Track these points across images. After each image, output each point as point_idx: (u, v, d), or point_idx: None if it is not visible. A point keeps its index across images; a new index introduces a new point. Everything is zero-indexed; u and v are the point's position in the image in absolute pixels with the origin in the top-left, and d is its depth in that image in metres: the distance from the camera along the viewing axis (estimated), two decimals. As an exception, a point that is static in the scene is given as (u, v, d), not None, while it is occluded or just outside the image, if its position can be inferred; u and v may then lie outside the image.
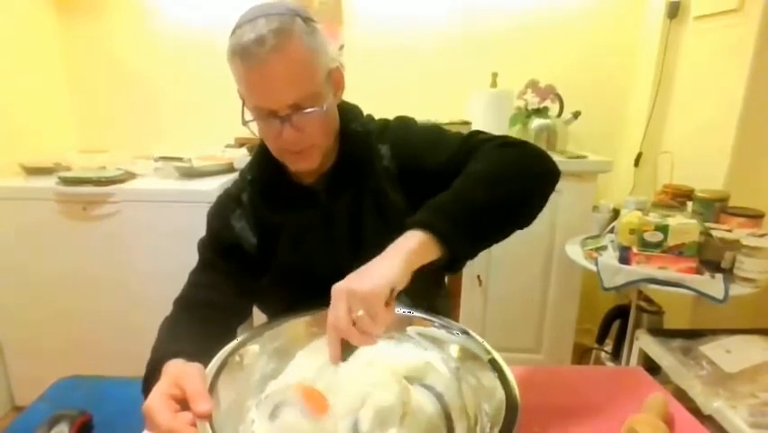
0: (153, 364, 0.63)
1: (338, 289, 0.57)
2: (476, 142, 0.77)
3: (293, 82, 0.68)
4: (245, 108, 0.75)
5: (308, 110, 0.70)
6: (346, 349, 0.57)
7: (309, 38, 0.69)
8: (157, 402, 0.51)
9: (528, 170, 0.72)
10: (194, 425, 0.49)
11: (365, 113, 0.89)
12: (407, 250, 0.59)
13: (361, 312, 0.55)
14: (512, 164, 0.72)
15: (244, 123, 0.75)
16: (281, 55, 0.66)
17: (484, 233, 0.66)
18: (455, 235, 0.61)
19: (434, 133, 0.83)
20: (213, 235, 0.85)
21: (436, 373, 0.62)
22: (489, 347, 0.60)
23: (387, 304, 0.56)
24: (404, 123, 0.87)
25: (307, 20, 0.71)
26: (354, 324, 0.55)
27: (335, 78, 0.78)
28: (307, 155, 0.76)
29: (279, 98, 0.69)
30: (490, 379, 0.56)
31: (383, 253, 0.59)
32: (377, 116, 0.90)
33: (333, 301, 0.56)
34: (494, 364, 0.57)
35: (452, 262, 0.63)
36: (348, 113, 0.85)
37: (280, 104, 0.69)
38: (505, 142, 0.75)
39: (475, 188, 0.67)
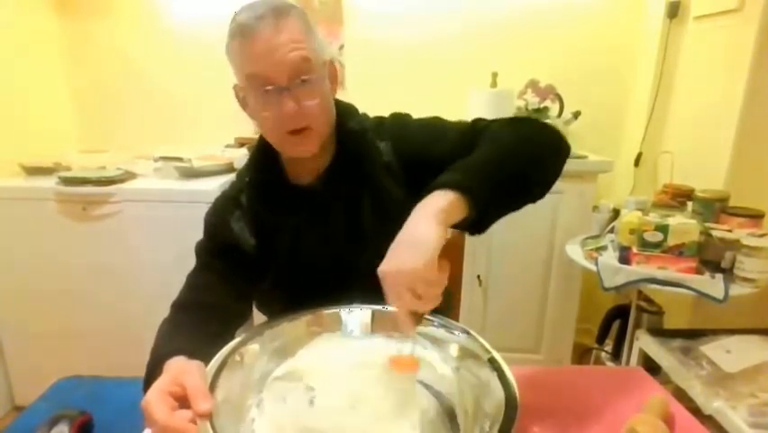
0: (153, 364, 0.63)
1: (391, 273, 0.56)
2: (484, 124, 0.78)
3: (292, 50, 0.70)
4: (241, 100, 0.78)
5: (306, 77, 0.72)
6: (417, 316, 0.58)
7: (306, 22, 0.74)
8: (155, 398, 0.51)
9: (540, 140, 0.74)
10: (193, 423, 0.49)
11: (363, 111, 0.89)
12: (438, 209, 0.58)
13: (420, 290, 0.55)
14: (528, 134, 0.74)
15: (241, 103, 0.77)
16: (280, 27, 0.70)
17: (507, 194, 0.67)
18: (482, 192, 0.61)
19: (434, 124, 0.84)
20: (211, 237, 0.85)
21: (430, 370, 0.63)
22: (488, 346, 0.60)
23: (439, 268, 0.56)
24: (401, 118, 0.87)
25: (305, 14, 0.75)
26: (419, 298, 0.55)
27: (331, 71, 0.80)
28: (306, 137, 0.76)
29: (279, 66, 0.70)
30: (490, 378, 0.56)
31: (415, 217, 0.59)
32: (375, 115, 0.90)
33: (390, 287, 0.56)
34: (493, 363, 0.57)
35: (476, 222, 0.64)
36: (344, 111, 0.85)
37: (279, 70, 0.70)
38: (514, 118, 0.78)
39: (495, 153, 0.68)
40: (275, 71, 0.71)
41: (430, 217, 0.57)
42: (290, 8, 0.72)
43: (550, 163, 0.73)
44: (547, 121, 1.87)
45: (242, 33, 0.70)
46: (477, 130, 0.77)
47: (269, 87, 0.71)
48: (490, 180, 0.63)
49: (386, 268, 0.56)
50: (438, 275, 0.55)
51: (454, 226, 0.61)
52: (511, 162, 0.67)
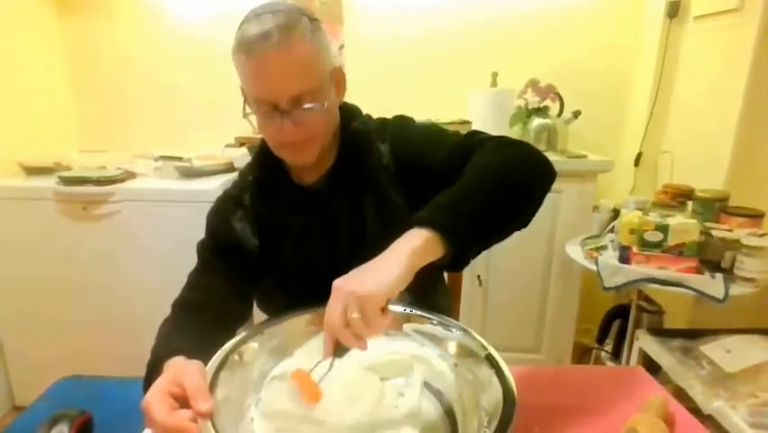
0: (153, 363, 0.63)
1: (337, 287, 0.56)
2: (474, 141, 0.77)
3: (295, 77, 0.69)
4: (247, 103, 0.76)
5: (308, 106, 0.71)
6: (341, 347, 0.56)
7: (313, 36, 0.70)
8: (155, 398, 0.51)
9: (527, 169, 0.73)
10: (193, 422, 0.49)
11: (364, 112, 0.89)
12: (411, 249, 0.58)
13: (356, 315, 0.54)
14: (512, 164, 0.72)
15: (245, 115, 0.76)
16: (285, 50, 0.67)
17: (487, 231, 0.66)
18: (460, 233, 0.61)
19: (433, 132, 0.83)
20: (213, 237, 0.85)
21: (429, 369, 0.63)
22: (485, 343, 0.61)
23: (383, 310, 0.55)
24: (402, 121, 0.87)
25: (313, 19, 0.72)
26: (348, 325, 0.54)
27: (337, 78, 0.79)
28: (304, 148, 0.76)
29: (281, 92, 0.70)
30: (488, 375, 0.56)
31: (387, 252, 0.59)
32: (376, 116, 0.90)
33: (331, 298, 0.56)
34: (491, 360, 0.58)
35: (455, 260, 0.63)
36: (348, 112, 0.85)
37: (282, 97, 0.70)
38: (503, 142, 0.76)
39: (477, 187, 0.67)
40: (276, 97, 0.70)
41: (401, 258, 0.57)
42: (298, 21, 0.69)
43: (536, 191, 0.72)
44: (547, 121, 1.88)
45: (247, 50, 0.68)
46: (467, 147, 0.76)
47: (270, 111, 0.71)
48: (467, 219, 0.62)
49: (337, 281, 0.57)
50: (377, 314, 0.54)
51: (432, 265, 0.60)
52: (494, 193, 0.66)
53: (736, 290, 1.31)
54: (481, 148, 0.75)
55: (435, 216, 0.61)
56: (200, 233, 0.86)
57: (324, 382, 0.57)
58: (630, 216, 1.44)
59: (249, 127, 0.77)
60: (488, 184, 0.68)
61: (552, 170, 0.74)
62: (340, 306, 0.54)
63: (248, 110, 0.75)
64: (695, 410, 0.98)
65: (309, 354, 0.65)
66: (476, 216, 0.63)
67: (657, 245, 1.38)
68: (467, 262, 0.67)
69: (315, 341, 0.67)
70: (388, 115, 0.89)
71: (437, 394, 0.63)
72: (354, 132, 0.83)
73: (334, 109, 0.80)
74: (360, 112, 0.88)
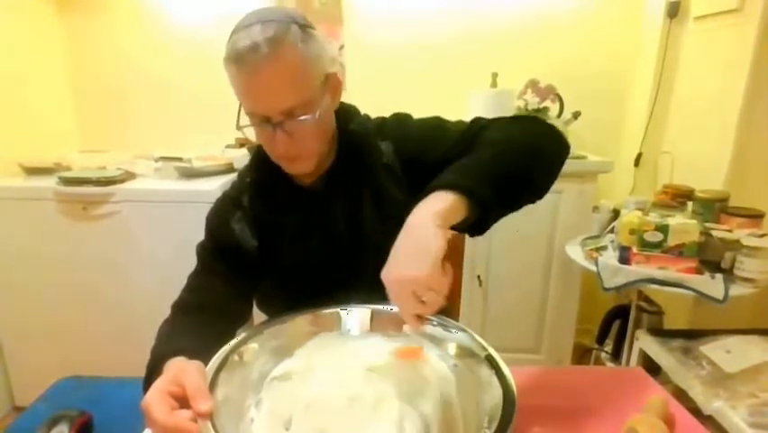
0: (153, 364, 0.63)
1: (396, 281, 0.56)
2: (483, 123, 0.78)
3: (286, 90, 0.69)
4: (241, 113, 0.75)
5: (301, 117, 0.70)
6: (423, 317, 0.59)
7: (304, 45, 0.69)
8: (155, 398, 0.51)
9: (542, 138, 0.74)
10: (194, 422, 0.49)
11: (363, 113, 0.89)
12: (438, 212, 0.58)
13: (427, 296, 0.55)
14: (527, 133, 0.73)
15: (238, 127, 0.75)
16: (275, 63, 0.66)
17: (507, 194, 0.66)
18: (483, 193, 0.61)
19: (435, 124, 0.83)
20: (212, 238, 0.85)
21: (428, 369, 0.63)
22: (485, 344, 0.61)
23: (443, 272, 0.56)
24: (402, 118, 0.87)
25: (304, 26, 0.71)
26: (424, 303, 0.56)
27: (333, 84, 0.77)
28: (300, 160, 0.76)
29: (272, 105, 0.69)
30: (487, 375, 0.56)
31: (416, 220, 0.58)
32: (376, 116, 0.90)
33: (394, 293, 0.56)
34: (491, 361, 0.57)
35: (477, 223, 0.64)
36: (346, 113, 0.85)
37: (273, 110, 0.70)
38: (515, 117, 0.78)
39: (496, 153, 0.68)
40: (267, 110, 0.70)
41: (431, 221, 0.57)
42: (287, 31, 0.67)
43: (550, 162, 0.73)
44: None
45: (236, 63, 0.67)
46: (476, 129, 0.77)
47: (262, 122, 0.71)
48: (490, 180, 0.63)
49: (390, 274, 0.56)
50: (442, 281, 0.55)
51: (454, 227, 0.60)
52: (511, 161, 0.67)
53: (736, 290, 1.31)
54: (492, 125, 0.76)
55: (457, 178, 0.61)
56: (200, 234, 0.86)
57: (323, 387, 0.57)
58: (630, 217, 1.44)
59: (249, 127, 0.77)
60: (505, 150, 0.69)
61: (566, 141, 0.76)
62: (410, 296, 0.55)
63: (242, 122, 0.74)
64: (695, 411, 0.98)
65: (309, 354, 0.65)
66: (496, 177, 0.64)
67: (657, 246, 1.38)
68: (488, 226, 0.67)
69: (315, 341, 0.68)
70: (388, 116, 0.89)
71: (437, 395, 0.62)
72: (352, 133, 0.83)
73: (329, 115, 0.79)
74: (357, 112, 0.88)
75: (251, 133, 0.76)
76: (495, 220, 0.67)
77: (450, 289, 0.57)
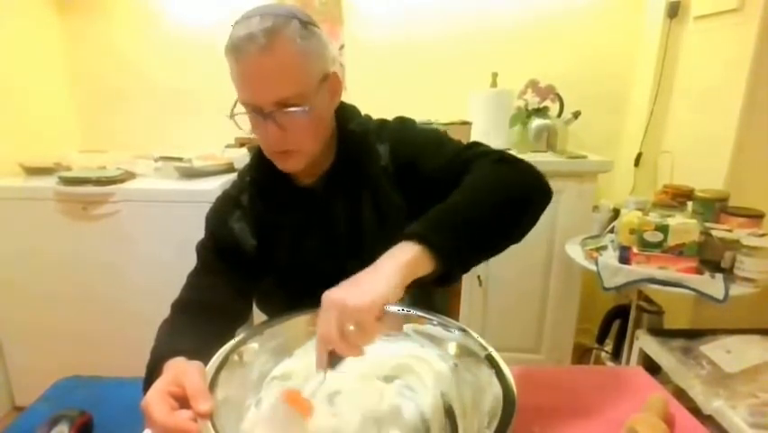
0: (153, 364, 0.63)
1: (330, 300, 0.55)
2: (473, 153, 0.77)
3: (279, 81, 0.69)
4: (237, 104, 0.75)
5: (292, 109, 0.70)
6: (335, 357, 0.56)
7: (303, 41, 0.70)
8: (155, 398, 0.51)
9: (523, 188, 0.72)
10: (193, 422, 0.49)
11: (364, 113, 0.89)
12: (402, 263, 0.57)
13: (351, 327, 0.53)
14: (509, 182, 0.72)
15: (231, 116, 0.76)
16: (269, 53, 0.67)
17: (478, 248, 0.66)
18: (451, 250, 0.60)
19: (434, 137, 0.83)
20: (212, 237, 0.85)
21: (428, 369, 0.63)
22: (485, 344, 0.61)
23: (377, 318, 0.54)
24: (403, 123, 0.87)
25: (306, 23, 0.71)
26: (344, 337, 0.54)
27: (332, 83, 0.77)
28: (291, 158, 0.76)
29: (264, 95, 0.70)
30: (487, 375, 0.56)
31: (378, 264, 0.58)
32: (376, 116, 0.90)
33: (323, 312, 0.54)
34: (491, 360, 0.58)
35: (444, 276, 0.62)
36: (346, 113, 0.85)
37: (263, 100, 0.70)
38: (503, 158, 0.75)
39: (471, 203, 0.67)
40: (260, 99, 0.70)
41: (392, 271, 0.56)
42: (286, 25, 0.68)
43: (531, 210, 0.72)
44: (547, 122, 1.88)
45: (234, 52, 0.68)
46: (466, 158, 0.76)
47: (255, 112, 0.72)
48: (462, 234, 0.62)
49: (329, 293, 0.55)
50: (373, 324, 0.54)
51: (420, 281, 0.59)
52: (488, 211, 0.66)
53: (736, 290, 1.31)
54: (480, 162, 0.75)
55: (426, 231, 0.60)
56: (200, 233, 0.86)
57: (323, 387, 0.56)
58: (630, 217, 1.44)
59: (249, 127, 0.77)
60: (483, 201, 0.67)
61: (548, 189, 0.74)
62: (334, 319, 0.53)
63: (236, 111, 0.75)
64: (695, 411, 0.98)
65: (309, 355, 0.65)
66: (468, 232, 0.63)
67: (657, 245, 1.38)
68: (455, 280, 0.66)
69: (315, 341, 0.67)
70: (389, 115, 0.89)
71: (437, 395, 0.62)
72: (352, 133, 0.83)
73: (325, 114, 0.79)
74: (358, 113, 0.88)
75: (242, 123, 0.76)
76: (464, 272, 0.66)
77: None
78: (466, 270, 0.66)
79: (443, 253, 0.59)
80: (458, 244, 0.61)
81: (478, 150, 0.78)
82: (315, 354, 0.56)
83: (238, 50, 0.68)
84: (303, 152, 0.76)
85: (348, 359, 0.57)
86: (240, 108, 0.74)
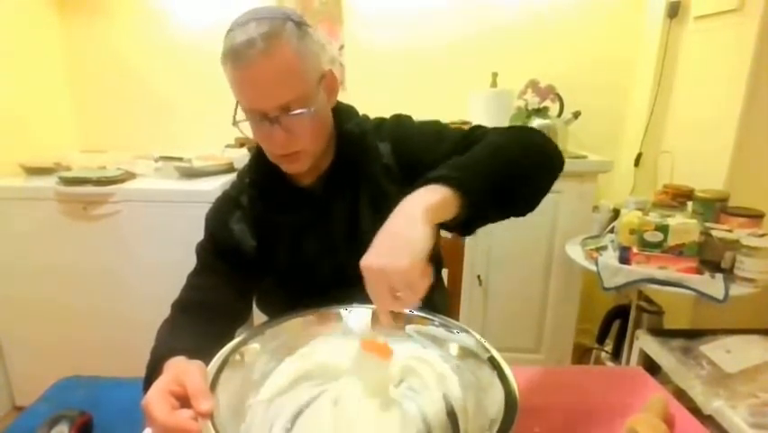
0: (153, 364, 0.63)
1: (371, 271, 0.53)
2: (482, 131, 0.78)
3: (281, 85, 0.69)
4: (238, 109, 0.75)
5: (296, 111, 0.70)
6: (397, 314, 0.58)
7: (299, 42, 0.70)
8: (156, 398, 0.51)
9: (538, 150, 0.73)
10: (193, 421, 0.49)
11: (363, 113, 0.89)
12: (428, 206, 0.56)
13: (402, 292, 0.53)
14: (523, 143, 0.72)
15: (234, 123, 0.76)
16: (270, 58, 0.67)
17: (499, 196, 0.65)
18: (475, 190, 0.60)
19: (434, 128, 0.83)
20: (211, 238, 0.85)
21: (430, 370, 0.63)
22: (487, 345, 0.60)
23: (422, 274, 0.54)
24: (401, 120, 0.87)
25: (300, 24, 0.71)
26: (397, 298, 0.54)
27: (329, 83, 0.78)
28: (296, 159, 0.76)
29: (268, 100, 0.70)
30: (489, 377, 0.56)
31: (404, 212, 0.57)
32: (376, 116, 0.90)
33: (368, 283, 0.54)
34: (493, 362, 0.57)
35: (465, 222, 0.62)
36: (343, 113, 0.85)
37: (269, 106, 0.70)
38: (513, 126, 0.77)
39: (489, 156, 0.67)
40: (264, 105, 0.70)
41: (419, 215, 0.55)
42: (282, 28, 0.68)
43: (544, 170, 0.72)
44: (547, 122, 1.88)
45: (232, 60, 0.68)
46: (474, 136, 0.77)
47: (260, 118, 0.71)
48: (484, 179, 0.62)
49: (369, 263, 0.54)
50: (421, 281, 0.53)
51: (442, 224, 0.59)
52: (505, 163, 0.67)
53: (736, 290, 1.31)
54: (491, 131, 0.76)
55: (451, 173, 0.60)
56: (200, 233, 0.86)
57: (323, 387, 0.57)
58: (630, 217, 1.44)
59: (249, 127, 0.77)
60: (501, 155, 0.68)
61: (561, 156, 0.75)
62: (384, 287, 0.53)
63: (238, 118, 0.75)
64: (695, 411, 0.98)
65: (311, 354, 0.65)
66: (491, 179, 0.63)
67: (657, 245, 1.38)
68: (477, 226, 0.66)
69: (315, 341, 0.68)
70: (388, 116, 0.89)
71: (440, 396, 0.62)
72: (350, 133, 0.83)
73: (325, 114, 0.79)
74: (356, 113, 0.88)
75: (246, 129, 0.76)
76: (483, 222, 0.66)
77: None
78: (486, 220, 0.66)
79: (468, 194, 0.59)
80: (481, 185, 0.61)
81: (482, 130, 0.79)
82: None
83: (237, 56, 0.67)
84: (308, 153, 0.77)
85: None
86: (242, 114, 0.74)
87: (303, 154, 0.76)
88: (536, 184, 0.71)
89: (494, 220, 0.68)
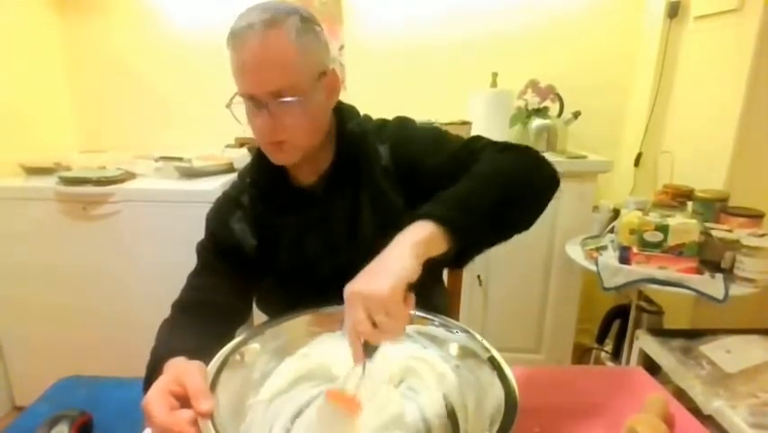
0: (153, 364, 0.63)
1: (353, 293, 0.54)
2: (478, 146, 0.77)
3: (272, 70, 0.69)
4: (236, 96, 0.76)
5: (285, 99, 0.71)
6: (370, 348, 0.55)
7: (301, 35, 0.71)
8: (156, 398, 0.51)
9: (534, 172, 0.73)
10: (194, 422, 0.49)
11: (364, 113, 0.89)
12: (417, 241, 0.57)
13: (381, 317, 0.52)
14: (519, 166, 0.72)
15: (228, 105, 0.76)
16: (266, 43, 0.68)
17: (491, 230, 0.66)
18: (465, 228, 0.60)
19: (434, 135, 0.83)
20: (212, 238, 0.85)
21: (430, 370, 0.63)
22: (487, 345, 0.60)
23: (404, 301, 0.54)
24: (403, 123, 0.87)
25: (306, 20, 0.72)
26: (376, 326, 0.53)
27: (330, 81, 0.78)
28: (283, 150, 0.76)
29: (259, 85, 0.70)
30: (489, 376, 0.56)
31: (392, 246, 0.57)
32: (376, 116, 0.90)
33: (349, 306, 0.54)
34: (493, 362, 0.57)
35: (457, 257, 0.62)
36: (344, 113, 0.85)
37: (259, 90, 0.71)
38: (509, 146, 0.76)
39: (482, 186, 0.67)
40: (255, 88, 0.71)
41: (406, 248, 0.56)
42: (285, 19, 0.69)
43: (537, 197, 0.72)
44: (547, 122, 1.88)
45: (232, 42, 0.70)
46: (472, 148, 0.76)
47: (251, 102, 0.72)
48: (473, 215, 0.62)
49: (350, 287, 0.54)
50: (401, 308, 0.53)
51: (434, 260, 0.59)
52: (500, 191, 0.66)
53: (736, 290, 1.31)
54: (486, 151, 0.75)
55: (441, 209, 0.61)
56: (200, 233, 0.86)
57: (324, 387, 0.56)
58: (630, 217, 1.44)
59: (246, 120, 0.77)
60: (494, 183, 0.68)
61: (557, 176, 0.75)
62: (362, 311, 0.53)
63: (234, 101, 0.75)
64: (695, 411, 0.98)
65: (312, 354, 0.65)
66: (481, 213, 0.63)
67: (657, 245, 1.38)
68: (469, 259, 0.66)
69: (315, 341, 0.68)
70: (388, 116, 0.89)
71: (440, 396, 0.62)
72: (350, 133, 0.83)
73: (320, 110, 0.79)
74: (357, 113, 0.88)
75: (239, 115, 0.76)
76: (477, 253, 0.67)
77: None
78: (477, 252, 0.67)
79: (456, 231, 0.59)
80: (471, 221, 0.61)
81: (482, 142, 0.78)
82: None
83: (236, 38, 0.69)
84: (295, 145, 0.76)
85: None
86: (237, 100, 0.74)
87: (289, 145, 0.75)
88: (531, 209, 0.71)
89: (489, 248, 0.68)
